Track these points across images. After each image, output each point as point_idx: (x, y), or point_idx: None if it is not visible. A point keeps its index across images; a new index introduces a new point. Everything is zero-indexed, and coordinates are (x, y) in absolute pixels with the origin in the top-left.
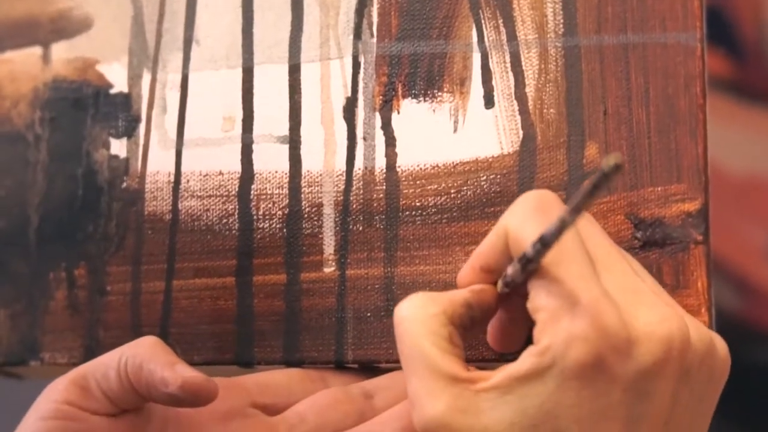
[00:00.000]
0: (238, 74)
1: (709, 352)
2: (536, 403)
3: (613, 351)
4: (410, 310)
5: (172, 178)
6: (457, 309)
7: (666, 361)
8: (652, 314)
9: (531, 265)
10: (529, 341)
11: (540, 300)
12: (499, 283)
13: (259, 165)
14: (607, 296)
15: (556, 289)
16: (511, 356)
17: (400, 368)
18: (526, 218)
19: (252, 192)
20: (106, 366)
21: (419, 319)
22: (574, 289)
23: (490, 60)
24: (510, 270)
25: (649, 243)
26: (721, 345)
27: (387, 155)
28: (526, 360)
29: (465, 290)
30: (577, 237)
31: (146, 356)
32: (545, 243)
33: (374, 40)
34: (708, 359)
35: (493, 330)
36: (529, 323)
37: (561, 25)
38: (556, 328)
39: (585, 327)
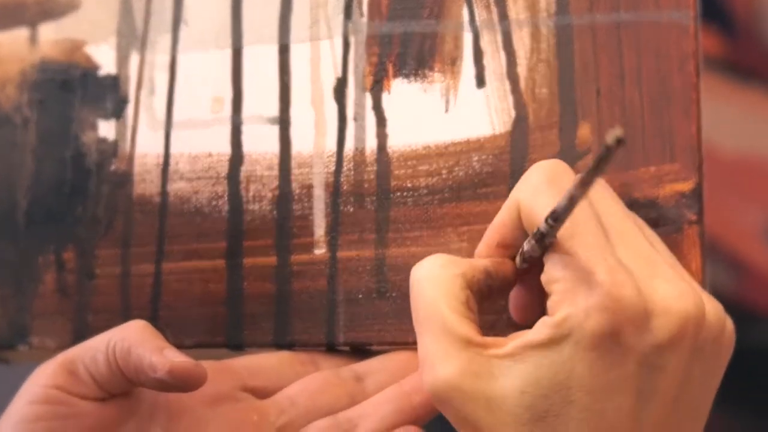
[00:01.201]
0: (227, 55)
1: (721, 329)
2: (549, 372)
3: (629, 323)
4: (430, 269)
5: (161, 160)
6: (477, 274)
7: (681, 336)
8: (669, 288)
9: (546, 240)
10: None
11: (555, 272)
12: (518, 259)
13: (248, 146)
14: (623, 267)
15: (572, 262)
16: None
17: (391, 350)
18: (536, 191)
19: (241, 174)
20: (95, 350)
21: (438, 280)
22: (590, 261)
23: (481, 39)
24: (526, 246)
25: None
26: (729, 323)
27: (378, 136)
28: (542, 330)
29: (486, 259)
30: (591, 208)
31: (135, 341)
32: (557, 218)
33: (364, 19)
34: (720, 337)
35: (515, 303)
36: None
37: (553, 4)
38: (573, 300)
39: (602, 298)
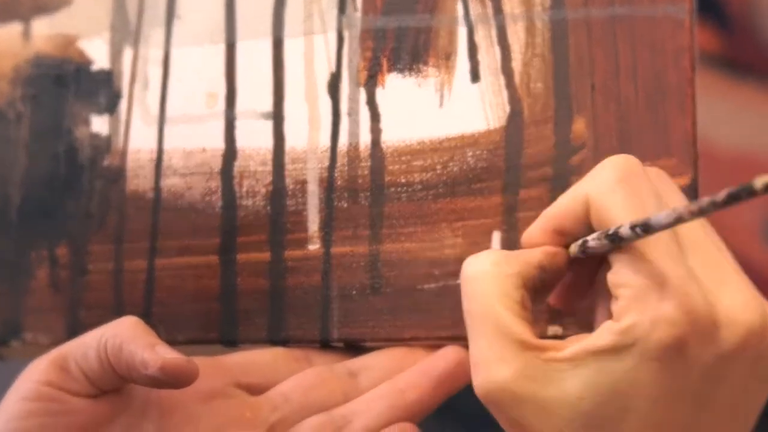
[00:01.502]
0: (220, 50)
1: None
2: (610, 379)
3: (696, 335)
4: (483, 267)
5: (154, 156)
6: (531, 271)
7: (744, 347)
8: (735, 298)
9: (622, 243)
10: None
11: (625, 277)
12: (573, 248)
13: (242, 141)
14: (694, 277)
15: (643, 267)
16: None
17: (385, 347)
18: (610, 189)
19: (235, 169)
20: (87, 346)
21: (493, 279)
22: (662, 269)
23: (476, 34)
24: (592, 242)
25: None
26: None
27: (372, 131)
28: (605, 336)
29: (539, 251)
30: (662, 208)
31: (126, 337)
32: (648, 230)
33: (359, 14)
34: None
35: (558, 289)
36: (594, 287)
37: None
38: (642, 308)
39: (672, 310)
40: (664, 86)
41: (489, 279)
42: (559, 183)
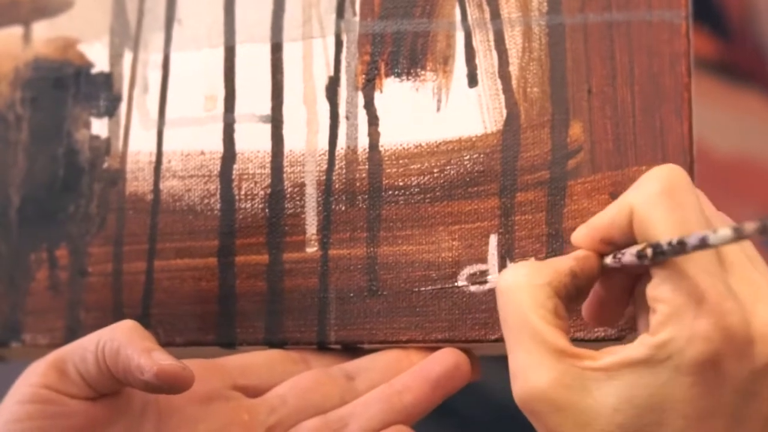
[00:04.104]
0: (220, 53)
1: None
2: (644, 393)
3: (731, 352)
4: (516, 279)
5: (153, 158)
6: (563, 279)
7: None
8: None
9: (660, 258)
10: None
11: (664, 292)
12: (609, 258)
13: (241, 144)
14: (731, 294)
15: (682, 283)
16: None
17: (382, 349)
18: (654, 201)
19: (234, 172)
20: (85, 349)
21: (525, 290)
22: (701, 285)
23: (473, 38)
24: (628, 258)
25: None
26: None
27: (370, 134)
28: (641, 348)
29: (569, 258)
30: (706, 226)
31: (123, 341)
32: (684, 249)
33: (357, 18)
34: None
35: (589, 302)
36: (627, 298)
37: (545, 3)
38: (679, 324)
39: (708, 327)
40: (660, 91)
41: (522, 290)
42: (556, 187)
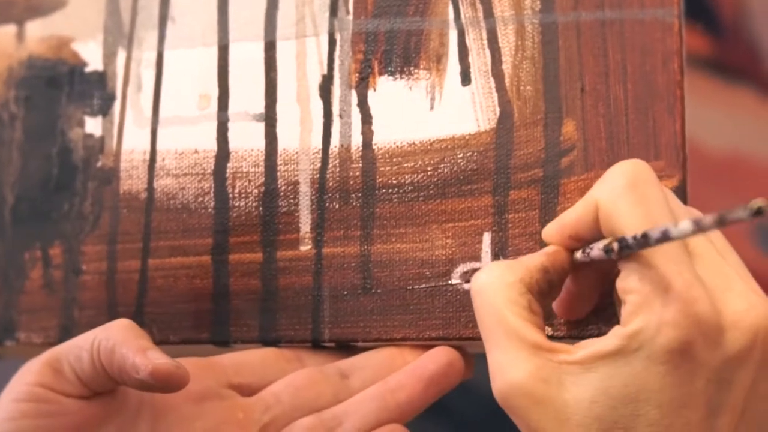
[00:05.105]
0: (213, 52)
1: None
2: (618, 383)
3: (702, 339)
4: (488, 279)
5: (147, 157)
6: (534, 275)
7: (750, 350)
8: (740, 301)
9: (626, 251)
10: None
11: (632, 283)
12: (579, 253)
13: (234, 143)
14: (699, 282)
15: (649, 273)
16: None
17: (376, 347)
18: (617, 195)
19: (228, 170)
20: (80, 348)
21: (497, 289)
22: (667, 274)
23: (466, 37)
24: (595, 252)
25: None
26: None
27: (363, 133)
28: (613, 340)
29: (539, 254)
30: (671, 219)
31: (118, 340)
32: (647, 243)
33: (350, 17)
34: None
35: (560, 297)
36: (598, 291)
37: (538, 2)
38: (648, 313)
39: (676, 314)
40: (653, 89)
41: (494, 289)
42: (549, 185)
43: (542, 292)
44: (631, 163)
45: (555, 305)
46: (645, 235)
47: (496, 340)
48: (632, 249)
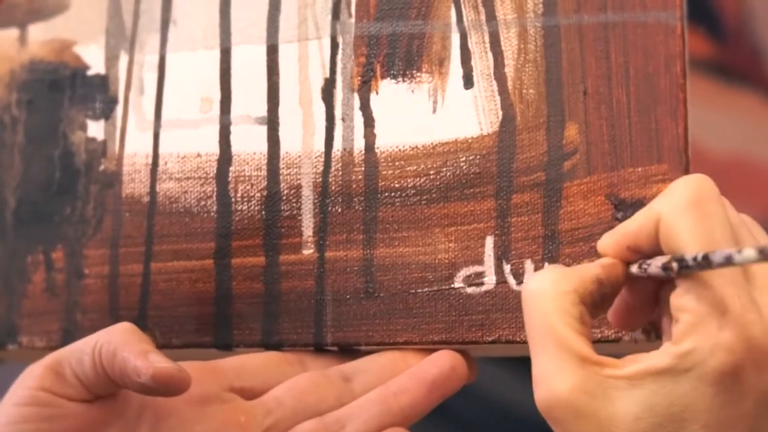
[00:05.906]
0: (215, 55)
1: None
2: (666, 402)
3: (753, 364)
4: (541, 285)
5: (149, 160)
6: (588, 286)
7: None
8: None
9: (685, 271)
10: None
11: (688, 302)
12: (635, 267)
13: (237, 146)
14: (755, 306)
15: (706, 294)
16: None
17: (378, 351)
18: (680, 211)
19: (230, 174)
20: (81, 352)
21: (551, 297)
22: (725, 296)
23: (469, 40)
24: (653, 269)
25: None
26: None
27: (366, 136)
28: (664, 358)
29: (595, 265)
30: (732, 238)
31: (120, 343)
32: (708, 265)
33: (352, 20)
34: None
35: (616, 306)
36: (655, 303)
37: (540, 5)
38: (702, 334)
39: (732, 338)
40: (655, 92)
41: (547, 297)
42: (552, 188)
43: (594, 304)
44: (695, 178)
45: (610, 315)
46: (706, 258)
47: (543, 348)
48: (691, 269)
